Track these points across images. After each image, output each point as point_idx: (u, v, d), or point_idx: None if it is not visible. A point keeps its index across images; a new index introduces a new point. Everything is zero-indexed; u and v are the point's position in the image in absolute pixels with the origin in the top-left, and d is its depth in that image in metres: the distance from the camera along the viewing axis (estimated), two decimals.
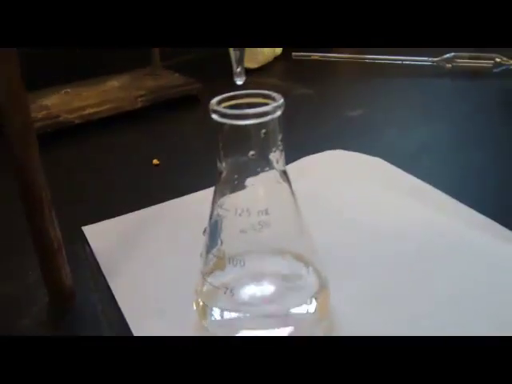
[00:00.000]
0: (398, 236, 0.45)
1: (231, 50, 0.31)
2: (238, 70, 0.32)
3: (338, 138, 0.65)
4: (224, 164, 0.33)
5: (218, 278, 0.35)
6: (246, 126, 0.30)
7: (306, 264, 0.35)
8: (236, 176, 0.33)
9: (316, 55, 0.91)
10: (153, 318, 0.38)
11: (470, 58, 0.84)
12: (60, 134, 0.70)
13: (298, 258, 0.35)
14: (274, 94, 0.32)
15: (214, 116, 0.31)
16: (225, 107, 0.31)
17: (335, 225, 0.46)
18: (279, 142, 0.32)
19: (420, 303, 0.38)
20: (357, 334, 0.35)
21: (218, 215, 0.34)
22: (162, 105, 0.76)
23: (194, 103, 0.78)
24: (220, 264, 0.34)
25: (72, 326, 0.38)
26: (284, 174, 0.33)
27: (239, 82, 0.33)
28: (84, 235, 0.50)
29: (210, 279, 0.35)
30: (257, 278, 0.36)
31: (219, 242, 0.34)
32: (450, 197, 0.50)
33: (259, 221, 0.32)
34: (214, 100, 0.32)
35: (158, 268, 0.44)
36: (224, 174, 0.33)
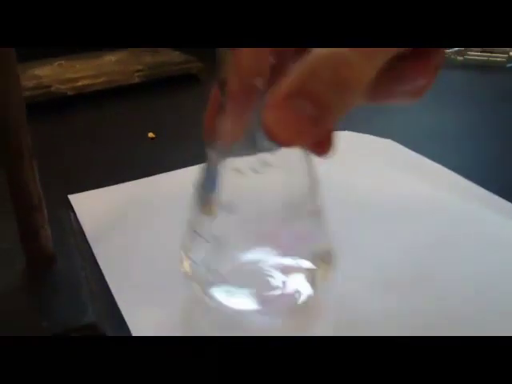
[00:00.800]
0: (410, 218, 0.42)
1: None
2: None
3: (346, 121, 0.61)
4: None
5: (206, 229, 0.30)
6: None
7: (316, 219, 0.31)
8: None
9: None
10: (139, 288, 0.35)
11: (482, 51, 0.81)
12: (52, 105, 0.66)
13: (308, 212, 0.31)
14: None
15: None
16: None
17: (344, 206, 0.43)
18: None
19: (429, 289, 0.34)
20: (357, 314, 0.32)
21: (212, 153, 0.29)
22: (160, 81, 0.73)
23: (194, 82, 0.75)
24: (209, 211, 0.30)
25: (50, 291, 0.34)
26: None
27: None
28: (70, 204, 0.46)
29: (197, 230, 0.30)
30: (252, 230, 0.30)
31: (215, 185, 0.29)
32: (461, 177, 0.47)
33: (259, 159, 0.28)
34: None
35: (146, 239, 0.40)
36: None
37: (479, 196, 0.44)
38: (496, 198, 0.44)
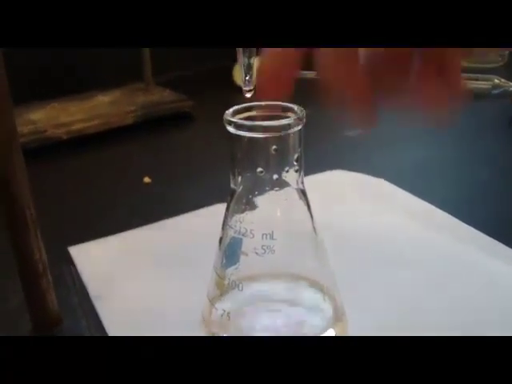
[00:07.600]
0: (404, 261, 0.43)
1: (240, 55, 0.28)
2: (247, 77, 0.29)
3: (337, 158, 0.62)
4: (238, 180, 0.30)
5: (223, 304, 0.32)
6: (255, 139, 0.28)
7: (321, 291, 0.32)
8: (248, 195, 0.30)
9: (311, 73, 0.89)
10: None
11: (467, 79, 0.83)
12: (47, 150, 0.67)
13: (312, 284, 0.32)
14: (296, 107, 0.29)
15: (228, 126, 0.28)
16: (240, 118, 0.29)
17: (339, 248, 0.44)
18: (295, 163, 0.29)
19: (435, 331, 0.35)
20: None
21: (227, 235, 0.31)
22: (153, 121, 0.74)
23: (187, 120, 0.76)
24: (222, 287, 0.31)
25: None
26: (302, 193, 0.30)
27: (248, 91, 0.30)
28: (71, 256, 0.46)
29: (216, 305, 0.32)
30: (262, 304, 0.33)
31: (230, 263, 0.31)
32: (451, 216, 0.49)
33: (262, 245, 0.30)
34: (230, 110, 0.29)
35: (150, 293, 0.41)
36: (237, 192, 0.30)
37: (470, 236, 0.46)
38: (487, 238, 0.45)
